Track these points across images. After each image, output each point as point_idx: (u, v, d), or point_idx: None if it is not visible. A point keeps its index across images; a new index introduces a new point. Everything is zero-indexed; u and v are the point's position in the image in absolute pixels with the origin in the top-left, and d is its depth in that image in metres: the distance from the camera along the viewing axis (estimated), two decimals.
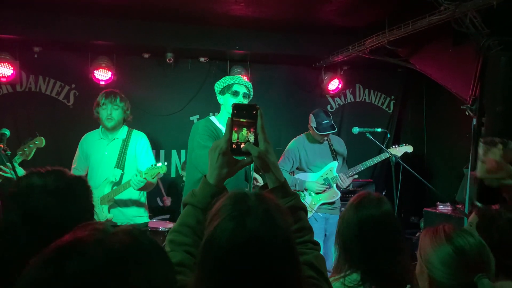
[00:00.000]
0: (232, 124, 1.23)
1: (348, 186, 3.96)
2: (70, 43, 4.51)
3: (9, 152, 2.74)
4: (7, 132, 2.90)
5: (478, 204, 1.43)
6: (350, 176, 3.91)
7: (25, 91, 4.67)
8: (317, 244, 1.24)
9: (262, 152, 1.21)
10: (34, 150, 3.12)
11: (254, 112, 1.22)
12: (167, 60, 4.85)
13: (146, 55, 4.95)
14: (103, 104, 3.21)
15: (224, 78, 2.99)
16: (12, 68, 4.40)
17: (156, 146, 5.01)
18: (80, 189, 1.20)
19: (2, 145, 2.74)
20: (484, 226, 1.50)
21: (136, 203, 3.31)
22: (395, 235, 1.68)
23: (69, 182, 1.19)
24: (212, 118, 2.97)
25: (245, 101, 2.89)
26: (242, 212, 1.01)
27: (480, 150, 1.36)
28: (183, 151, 5.20)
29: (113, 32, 4.45)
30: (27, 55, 4.56)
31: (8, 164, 2.73)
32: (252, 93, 2.97)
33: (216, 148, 1.24)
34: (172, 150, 5.23)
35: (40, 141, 3.14)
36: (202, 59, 5.19)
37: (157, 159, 5.11)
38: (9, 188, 1.15)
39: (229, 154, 1.23)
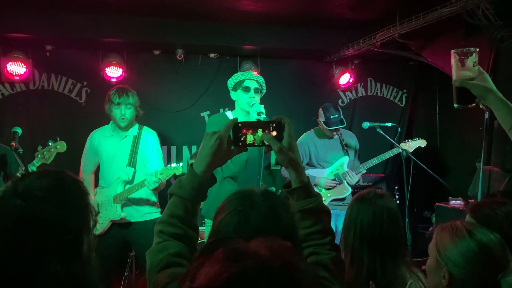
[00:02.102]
0: (242, 127, 1.23)
1: (358, 182, 3.93)
2: (82, 41, 4.55)
3: (20, 150, 2.78)
4: (19, 131, 2.94)
5: (457, 105, 1.42)
6: (358, 173, 3.88)
7: (38, 89, 4.73)
8: (337, 247, 1.24)
9: (284, 147, 1.21)
10: (55, 154, 3.15)
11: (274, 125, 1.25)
12: (177, 56, 4.86)
13: (157, 52, 4.98)
14: (117, 104, 3.22)
15: (235, 74, 3.00)
16: (25, 66, 4.45)
17: (167, 142, 5.04)
18: (72, 190, 1.16)
19: (14, 143, 2.79)
20: (483, 226, 1.47)
21: (147, 200, 3.34)
22: (395, 231, 1.67)
23: (61, 183, 1.15)
24: (228, 113, 3.00)
25: (257, 96, 2.89)
26: (247, 208, 1.02)
27: (455, 60, 1.37)
28: (194, 147, 5.22)
29: (124, 30, 4.47)
30: (39, 54, 4.61)
31: (30, 166, 2.77)
32: (264, 88, 2.97)
33: (213, 134, 1.23)
34: (183, 146, 5.26)
35: (61, 146, 3.18)
36: (212, 55, 5.19)
37: (169, 155, 5.15)
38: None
39: (224, 143, 1.23)
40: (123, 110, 3.22)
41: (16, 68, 4.43)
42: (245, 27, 4.76)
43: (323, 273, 1.16)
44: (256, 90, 2.90)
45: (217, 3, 4.13)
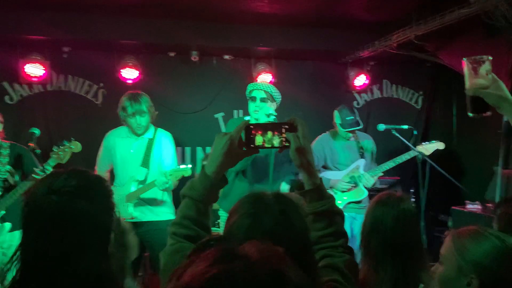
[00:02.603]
0: (253, 129, 1.24)
1: (374, 184, 3.89)
2: (98, 42, 4.61)
3: (38, 151, 2.83)
4: (37, 132, 2.99)
5: (471, 115, 1.38)
6: (374, 175, 3.84)
7: (55, 90, 4.80)
8: (350, 249, 1.24)
9: (301, 146, 1.21)
10: (70, 154, 3.20)
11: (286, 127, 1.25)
12: (192, 58, 4.88)
13: (172, 54, 5.01)
14: (132, 114, 3.24)
15: (248, 85, 3.16)
16: (43, 68, 4.52)
17: (181, 143, 5.06)
18: (100, 188, 1.23)
19: (32, 144, 2.83)
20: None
21: (161, 200, 3.36)
22: (417, 235, 1.65)
23: (90, 182, 1.22)
24: (247, 118, 3.15)
25: (264, 105, 3.02)
26: (259, 210, 1.02)
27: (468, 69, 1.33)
28: (208, 149, 5.23)
29: (140, 32, 4.52)
30: (56, 55, 4.68)
31: (46, 166, 2.82)
32: (276, 95, 3.07)
33: (225, 135, 1.24)
34: (197, 148, 5.28)
35: (76, 146, 3.23)
36: (226, 57, 5.20)
37: (183, 156, 5.17)
38: (26, 192, 1.20)
39: (235, 144, 1.23)
40: (138, 120, 3.26)
41: (34, 70, 4.51)
42: (259, 28, 4.76)
43: (336, 276, 1.15)
44: (263, 99, 3.04)
45: (232, 5, 4.14)
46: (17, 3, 3.95)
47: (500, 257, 1.25)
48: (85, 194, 1.17)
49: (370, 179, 3.80)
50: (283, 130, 1.24)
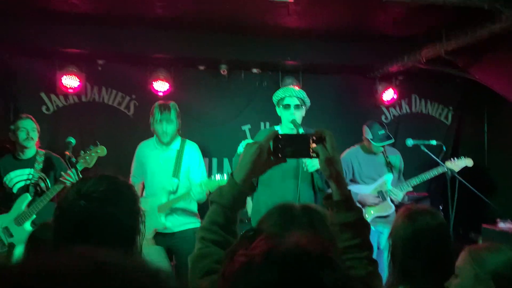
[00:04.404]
0: (281, 139, 1.27)
1: (403, 199, 3.84)
2: (131, 56, 4.76)
3: (74, 159, 2.94)
4: (73, 141, 3.12)
5: None
6: (403, 190, 3.80)
7: (89, 102, 4.97)
8: (374, 261, 1.24)
9: (330, 157, 1.23)
10: (96, 158, 3.32)
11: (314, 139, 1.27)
12: (221, 71, 4.98)
13: (202, 67, 5.12)
14: (159, 121, 3.35)
15: (278, 91, 3.15)
16: (78, 80, 4.70)
17: (209, 154, 5.13)
18: (127, 193, 1.29)
19: (68, 152, 2.95)
20: None
21: (189, 210, 3.43)
22: (450, 246, 1.63)
23: (117, 187, 1.28)
24: (277, 127, 3.14)
25: (298, 112, 2.99)
26: (287, 222, 1.05)
27: None
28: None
29: (171, 45, 4.64)
30: (91, 68, 4.85)
31: (73, 170, 2.94)
32: (307, 101, 3.06)
33: (254, 144, 1.27)
34: (224, 159, 5.33)
35: (102, 150, 3.34)
36: (254, 70, 5.28)
37: (210, 167, 5.24)
38: (60, 197, 1.28)
39: (265, 153, 1.26)
40: (165, 126, 3.36)
41: (70, 81, 4.68)
42: (288, 42, 4.81)
43: (359, 287, 1.16)
44: (297, 107, 3.00)
45: (261, 19, 4.21)
46: (55, 18, 4.14)
47: None
48: (112, 199, 1.23)
49: (399, 194, 3.76)
50: (311, 141, 1.26)
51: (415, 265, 1.60)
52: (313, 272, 0.74)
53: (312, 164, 2.88)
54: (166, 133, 3.38)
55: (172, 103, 3.49)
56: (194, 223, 3.44)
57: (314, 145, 1.25)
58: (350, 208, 1.23)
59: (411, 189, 3.88)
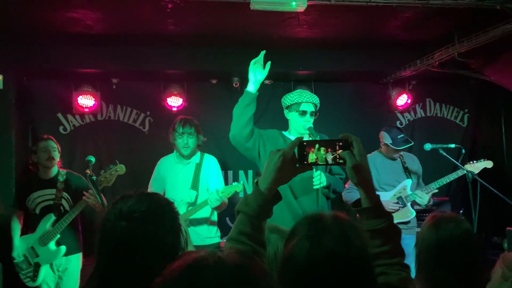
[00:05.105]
0: (306, 145, 1.25)
1: (429, 202, 3.78)
2: (145, 73, 4.83)
3: (94, 178, 2.97)
4: (93, 159, 3.16)
5: None
6: (428, 192, 3.74)
7: (105, 120, 5.04)
8: (406, 267, 1.22)
9: (357, 163, 1.21)
10: (116, 176, 3.35)
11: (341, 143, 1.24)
12: (233, 84, 5.01)
13: (214, 81, 5.16)
14: (181, 134, 3.39)
15: (292, 94, 3.01)
16: (94, 99, 4.77)
17: (224, 167, 5.14)
18: (167, 211, 1.29)
19: (88, 171, 2.99)
20: None
21: (208, 222, 3.44)
22: (475, 254, 1.61)
23: (158, 205, 1.29)
24: (285, 133, 3.04)
25: (312, 119, 2.92)
26: (319, 232, 1.04)
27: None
28: (250, 171, 5.30)
29: (184, 61, 4.70)
30: (106, 87, 4.93)
31: (94, 189, 2.97)
32: (318, 106, 3.00)
33: (278, 151, 1.25)
34: (240, 171, 5.35)
35: (121, 169, 3.38)
36: (266, 81, 5.29)
37: (226, 180, 5.25)
38: (102, 216, 1.28)
39: (290, 160, 1.23)
40: (186, 139, 3.39)
41: (86, 101, 4.76)
42: (299, 52, 4.83)
43: None
44: (312, 114, 2.93)
45: (271, 31, 4.24)
46: (70, 40, 4.22)
47: None
48: (153, 218, 1.24)
49: (424, 196, 3.70)
50: (337, 147, 1.24)
51: (441, 273, 1.58)
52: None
53: (320, 181, 2.78)
54: (188, 146, 3.41)
55: (193, 119, 3.57)
56: (213, 238, 3.44)
57: (340, 151, 1.23)
58: (380, 214, 1.22)
59: (436, 190, 3.80)
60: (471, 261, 1.59)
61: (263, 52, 2.86)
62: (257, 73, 2.82)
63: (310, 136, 2.81)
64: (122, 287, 1.17)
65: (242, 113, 2.82)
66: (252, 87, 2.85)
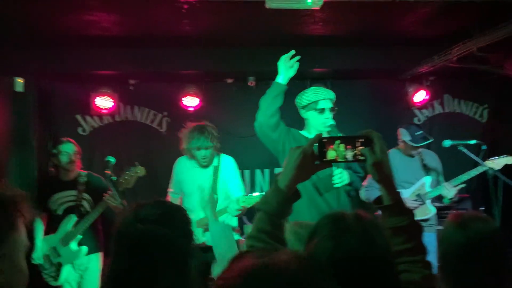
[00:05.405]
0: (326, 142, 1.23)
1: (454, 197, 3.70)
2: (161, 74, 4.88)
3: (114, 178, 3.01)
4: (112, 160, 3.20)
5: None
6: (455, 186, 3.66)
7: (123, 121, 5.10)
8: (428, 264, 1.20)
9: (379, 160, 1.20)
10: (136, 178, 3.39)
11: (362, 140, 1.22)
12: (249, 83, 5.01)
13: (230, 80, 5.17)
14: (197, 148, 3.32)
15: (307, 93, 2.97)
16: (112, 100, 4.83)
17: (240, 166, 5.12)
18: (180, 216, 1.36)
19: (108, 171, 3.03)
20: None
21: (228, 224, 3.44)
22: (505, 254, 1.57)
23: (171, 211, 1.36)
24: (303, 132, 3.02)
25: (331, 115, 2.89)
26: (341, 231, 1.03)
27: None
28: (266, 171, 5.31)
29: (199, 61, 4.72)
30: (124, 88, 4.97)
31: (114, 189, 3.01)
32: (335, 101, 2.97)
33: (297, 149, 1.23)
34: (256, 170, 5.35)
35: (141, 170, 3.42)
36: None
37: (243, 179, 5.26)
38: (116, 224, 1.33)
39: (309, 157, 1.22)
40: (203, 152, 3.35)
41: (104, 102, 4.82)
42: (314, 50, 4.80)
43: None
44: (331, 110, 2.89)
45: (286, 30, 4.23)
46: (88, 42, 4.28)
47: None
48: (167, 222, 1.29)
49: (452, 189, 3.62)
50: (358, 144, 1.21)
51: (470, 273, 1.53)
52: None
53: (341, 179, 2.76)
54: (206, 158, 3.37)
55: (206, 126, 3.43)
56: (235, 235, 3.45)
57: (361, 147, 1.21)
58: (402, 212, 1.20)
59: (464, 185, 3.70)
60: (502, 261, 1.55)
61: (292, 51, 2.86)
62: (288, 67, 2.81)
63: (329, 134, 2.77)
64: (137, 286, 1.20)
65: (269, 104, 2.84)
66: (281, 78, 2.86)
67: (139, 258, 1.24)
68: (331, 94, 2.94)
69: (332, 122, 2.85)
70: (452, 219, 1.67)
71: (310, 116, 2.95)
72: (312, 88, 3.13)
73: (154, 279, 1.20)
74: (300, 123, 3.17)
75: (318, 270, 0.77)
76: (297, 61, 2.91)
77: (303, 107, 2.96)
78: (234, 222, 3.48)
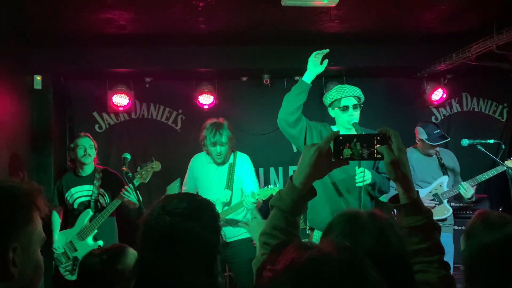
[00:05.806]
0: (342, 140, 1.21)
1: (472, 197, 3.64)
2: (177, 72, 4.90)
3: (130, 174, 3.04)
4: (128, 156, 3.23)
5: None
6: (474, 185, 3.61)
7: (139, 118, 5.14)
8: (445, 264, 1.18)
9: (396, 158, 1.17)
10: (151, 173, 3.42)
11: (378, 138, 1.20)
12: (264, 81, 5.01)
13: (244, 78, 5.17)
14: (212, 144, 3.36)
15: (331, 91, 3.01)
16: (128, 98, 4.87)
17: (255, 164, 5.12)
18: (208, 210, 1.36)
19: (125, 168, 3.06)
20: None
21: (243, 220, 3.45)
22: None
23: (199, 204, 1.35)
24: (334, 127, 3.05)
25: (356, 112, 2.89)
26: (355, 231, 1.02)
27: None
28: (280, 168, 5.30)
29: (214, 59, 4.74)
30: (140, 85, 5.02)
31: (131, 185, 3.04)
32: (362, 97, 2.96)
33: (312, 146, 1.21)
34: (270, 168, 5.34)
35: (157, 165, 3.45)
36: (297, 78, 5.23)
37: (257, 177, 5.26)
38: (142, 216, 1.34)
39: (325, 155, 1.19)
40: (219, 149, 3.38)
41: (120, 100, 4.86)
42: (330, 47, 4.74)
43: None
44: (355, 106, 2.89)
45: (301, 27, 4.21)
46: (105, 40, 4.33)
47: None
48: (194, 215, 1.30)
49: (470, 189, 3.57)
50: (375, 142, 1.19)
51: (495, 274, 1.48)
52: (331, 281, 0.71)
53: (362, 178, 2.72)
54: (221, 155, 3.41)
55: (222, 124, 3.46)
56: (247, 232, 3.45)
57: (378, 145, 1.19)
58: (419, 211, 1.17)
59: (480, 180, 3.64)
60: None
61: (326, 50, 2.91)
62: (316, 65, 2.80)
63: (355, 131, 2.77)
64: (163, 278, 1.21)
65: (292, 101, 2.87)
66: (307, 77, 2.88)
67: (166, 250, 1.26)
68: (355, 91, 2.92)
69: (355, 120, 2.84)
70: (477, 220, 1.60)
71: (335, 114, 2.98)
72: (337, 86, 3.14)
73: (180, 272, 1.22)
74: (316, 119, 3.20)
75: (363, 258, 0.78)
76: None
77: (329, 105, 2.99)
78: (249, 216, 3.49)
